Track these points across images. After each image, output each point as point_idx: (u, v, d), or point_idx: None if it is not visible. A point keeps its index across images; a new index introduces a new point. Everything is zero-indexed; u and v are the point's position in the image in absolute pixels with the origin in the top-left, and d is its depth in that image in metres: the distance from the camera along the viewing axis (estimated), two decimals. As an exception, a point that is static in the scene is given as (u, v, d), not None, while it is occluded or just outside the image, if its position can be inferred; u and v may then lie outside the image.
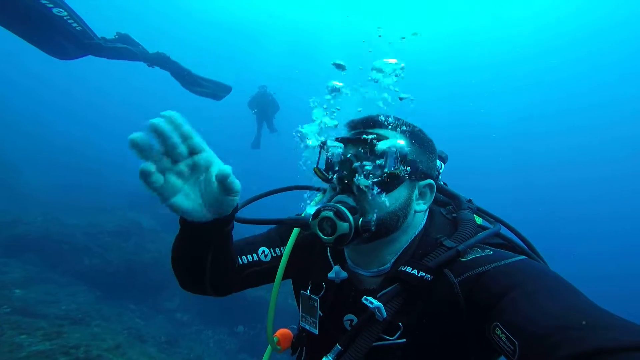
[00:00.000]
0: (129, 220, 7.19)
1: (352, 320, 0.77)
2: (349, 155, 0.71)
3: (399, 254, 0.74)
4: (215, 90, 4.28)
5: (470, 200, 0.86)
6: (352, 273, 0.80)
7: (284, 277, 0.89)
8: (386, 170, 0.70)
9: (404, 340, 0.68)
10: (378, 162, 0.70)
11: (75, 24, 2.89)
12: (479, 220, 0.83)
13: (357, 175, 0.69)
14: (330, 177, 0.73)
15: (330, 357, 0.70)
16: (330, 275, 0.80)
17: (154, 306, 5.69)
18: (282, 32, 22.33)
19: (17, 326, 3.27)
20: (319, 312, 0.81)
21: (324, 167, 0.77)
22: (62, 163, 11.31)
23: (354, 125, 0.78)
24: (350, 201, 0.70)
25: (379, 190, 0.69)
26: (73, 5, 2.89)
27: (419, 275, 0.66)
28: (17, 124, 13.34)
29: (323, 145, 0.76)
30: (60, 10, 2.77)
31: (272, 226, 0.97)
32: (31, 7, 2.65)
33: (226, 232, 0.76)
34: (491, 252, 0.69)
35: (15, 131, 12.51)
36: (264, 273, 0.92)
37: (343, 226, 0.65)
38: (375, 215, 0.69)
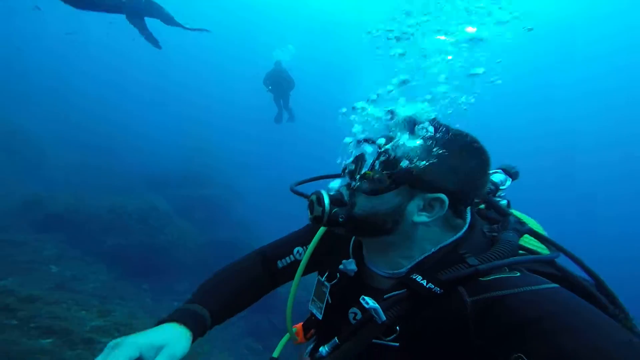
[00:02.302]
0: (147, 202, 7.72)
1: (355, 314, 0.80)
2: (359, 153, 0.78)
3: (416, 261, 0.76)
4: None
5: (522, 222, 0.82)
6: (369, 270, 0.84)
7: (312, 269, 1.00)
8: (365, 173, 0.75)
9: (397, 344, 0.71)
10: (367, 165, 0.76)
11: None
12: (535, 244, 0.80)
13: (353, 169, 0.77)
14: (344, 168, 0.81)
15: (327, 348, 0.75)
16: (340, 266, 0.87)
17: (165, 287, 6.22)
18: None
19: (76, 302, 3.79)
20: (327, 298, 0.89)
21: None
22: (81, 142, 12.09)
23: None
24: (344, 190, 0.79)
25: (367, 190, 0.74)
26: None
27: (427, 286, 0.67)
28: (38, 101, 14.25)
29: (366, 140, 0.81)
30: None
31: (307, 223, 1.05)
32: None
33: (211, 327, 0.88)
34: (518, 274, 0.66)
35: (37, 107, 13.38)
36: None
37: (317, 210, 0.75)
38: (353, 211, 0.75)
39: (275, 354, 1.08)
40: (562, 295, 0.60)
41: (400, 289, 0.72)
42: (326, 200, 0.75)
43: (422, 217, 0.74)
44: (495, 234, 0.78)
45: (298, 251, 1.04)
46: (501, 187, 0.94)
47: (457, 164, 0.73)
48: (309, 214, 0.78)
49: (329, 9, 21.25)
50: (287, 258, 1.04)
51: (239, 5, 22.92)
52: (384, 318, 0.68)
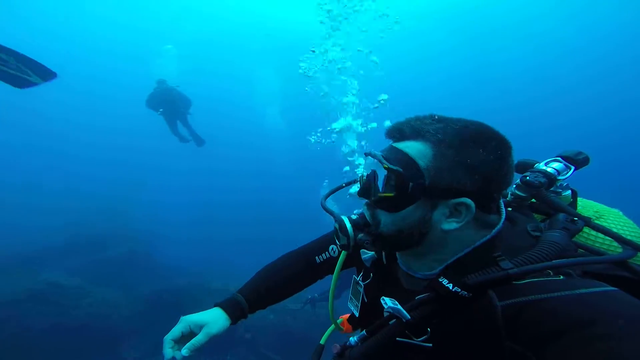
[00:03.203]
0: (43, 281, 6.16)
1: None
2: (370, 171, 0.76)
3: (447, 263, 0.73)
4: (23, 72, 3.24)
5: (574, 221, 0.73)
6: (402, 271, 0.84)
7: (349, 265, 1.06)
8: (379, 195, 0.72)
9: (430, 345, 0.69)
10: (380, 181, 0.72)
11: None
12: (606, 242, 0.75)
13: (368, 190, 0.76)
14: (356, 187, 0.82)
15: (355, 339, 0.77)
16: (363, 256, 0.92)
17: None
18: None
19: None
20: (362, 297, 0.93)
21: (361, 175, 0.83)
22: None
23: (387, 134, 0.78)
24: (367, 214, 0.77)
25: (385, 207, 0.72)
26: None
27: (453, 289, 0.63)
28: None
29: (367, 155, 0.79)
30: None
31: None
32: None
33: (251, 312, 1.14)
34: (562, 278, 0.62)
35: None
36: (335, 265, 1.08)
37: (342, 239, 0.77)
38: (378, 230, 0.74)
39: (322, 341, 1.22)
40: (616, 299, 0.54)
41: (429, 291, 0.69)
42: (349, 228, 0.76)
43: (452, 224, 0.71)
44: (539, 233, 0.73)
45: (332, 249, 1.15)
46: (560, 178, 0.83)
47: (468, 161, 0.67)
48: (337, 241, 0.80)
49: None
50: (324, 254, 1.16)
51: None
52: (408, 317, 0.67)
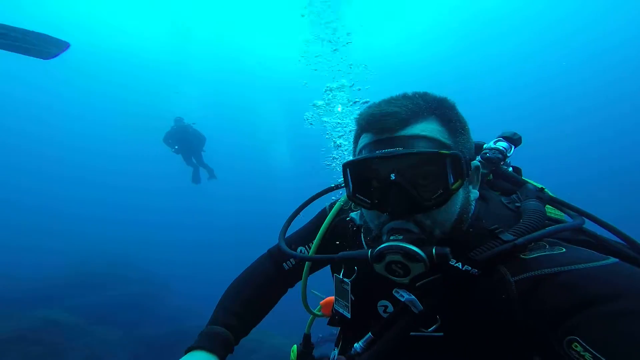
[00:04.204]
0: (39, 319, 5.87)
1: (386, 307, 0.75)
2: (393, 177, 0.63)
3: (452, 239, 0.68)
4: (34, 45, 3.51)
5: (542, 189, 0.78)
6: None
7: (322, 265, 1.01)
8: (453, 186, 0.62)
9: (442, 334, 0.66)
10: (433, 175, 0.63)
11: None
12: (554, 212, 0.77)
13: (413, 198, 0.62)
14: (373, 204, 0.66)
15: (361, 344, 0.70)
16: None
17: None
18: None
19: None
20: (350, 295, 0.82)
21: (354, 189, 0.70)
22: None
23: (379, 124, 0.66)
24: (412, 227, 0.63)
25: (440, 203, 0.63)
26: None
27: (463, 268, 0.61)
28: None
29: (349, 165, 0.70)
30: None
31: (310, 224, 1.05)
32: None
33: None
34: (564, 250, 0.61)
35: None
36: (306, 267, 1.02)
37: (417, 267, 0.59)
38: (448, 232, 0.65)
39: (307, 330, 1.20)
40: (624, 271, 0.54)
41: (434, 273, 0.64)
42: (419, 251, 0.59)
43: (475, 192, 0.70)
44: (518, 204, 0.74)
45: (301, 251, 1.01)
46: (508, 155, 0.89)
47: (464, 126, 0.70)
48: (396, 277, 0.62)
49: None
50: (292, 259, 1.03)
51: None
52: (420, 307, 0.64)
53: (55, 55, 3.75)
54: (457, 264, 0.61)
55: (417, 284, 0.66)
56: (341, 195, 0.99)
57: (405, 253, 0.59)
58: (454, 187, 0.62)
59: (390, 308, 0.74)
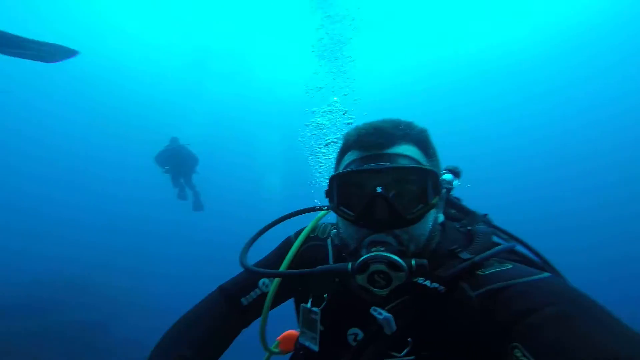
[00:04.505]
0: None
1: (356, 335, 0.77)
2: (379, 190, 0.67)
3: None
4: (44, 52, 3.99)
5: (486, 215, 0.89)
6: (357, 284, 0.76)
7: (285, 298, 0.96)
8: (433, 201, 0.69)
9: (413, 357, 0.68)
10: (414, 191, 0.69)
11: None
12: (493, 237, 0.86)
13: (396, 211, 0.67)
14: (358, 215, 0.69)
15: None
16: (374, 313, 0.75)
17: None
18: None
19: None
20: (319, 326, 0.81)
21: (338, 201, 0.74)
22: None
23: (366, 143, 0.73)
24: (391, 240, 0.67)
25: (418, 218, 0.69)
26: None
27: (432, 286, 0.66)
28: None
29: (336, 178, 0.74)
30: None
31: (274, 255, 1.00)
32: None
33: None
34: (510, 266, 0.69)
35: None
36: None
37: (400, 277, 0.63)
38: (420, 248, 0.69)
39: None
40: (556, 283, 0.63)
41: (401, 295, 0.70)
42: (401, 261, 0.63)
43: (440, 216, 0.78)
44: (469, 228, 0.82)
45: (264, 283, 0.95)
46: (452, 186, 0.99)
47: (437, 157, 0.80)
48: (376, 288, 0.64)
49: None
50: (252, 293, 0.95)
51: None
52: (394, 328, 0.66)
53: (60, 60, 4.05)
54: (425, 282, 0.67)
55: (387, 307, 0.70)
56: (309, 223, 1.00)
57: (389, 262, 0.63)
58: (433, 202, 0.69)
59: (361, 335, 0.76)
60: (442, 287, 0.66)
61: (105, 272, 11.36)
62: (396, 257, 0.62)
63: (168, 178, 8.92)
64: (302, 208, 1.06)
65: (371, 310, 0.68)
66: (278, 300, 0.95)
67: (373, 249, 0.65)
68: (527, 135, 20.94)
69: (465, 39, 18.47)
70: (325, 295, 0.83)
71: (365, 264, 0.63)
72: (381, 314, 0.67)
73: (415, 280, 0.66)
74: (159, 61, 20.86)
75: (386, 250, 0.64)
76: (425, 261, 0.64)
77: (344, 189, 0.73)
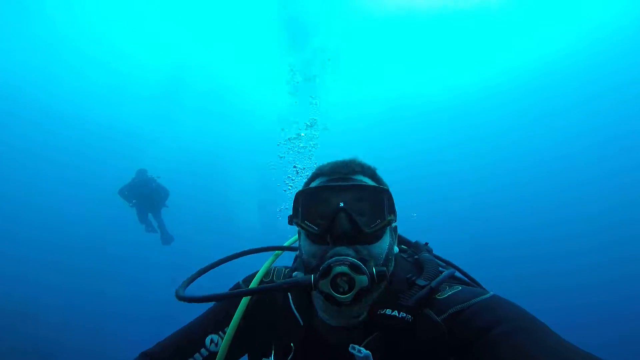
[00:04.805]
0: None
1: None
2: (342, 205, 0.72)
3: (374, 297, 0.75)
4: None
5: (427, 244, 0.96)
6: (325, 326, 0.77)
7: (241, 353, 0.88)
8: (389, 217, 0.75)
9: None
10: (372, 207, 0.76)
11: None
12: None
13: (357, 225, 0.72)
14: (322, 229, 0.74)
15: None
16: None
17: None
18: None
19: None
20: None
21: (303, 216, 0.78)
22: None
23: (331, 171, 0.83)
24: (352, 253, 0.70)
25: (377, 238, 0.75)
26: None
27: (400, 316, 0.69)
28: None
29: (302, 193, 0.79)
30: None
31: (219, 305, 0.92)
32: None
33: None
34: (460, 288, 0.76)
35: None
36: None
37: (362, 280, 0.66)
38: (379, 267, 0.72)
39: None
40: (502, 301, 0.71)
41: (371, 331, 0.72)
42: (362, 265, 0.68)
43: (395, 248, 0.85)
44: (416, 257, 0.88)
45: (212, 340, 0.85)
46: None
47: (384, 185, 0.85)
48: (339, 294, 0.66)
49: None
50: (197, 355, 0.84)
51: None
52: None
53: None
54: (393, 313, 0.70)
55: (362, 344, 0.70)
56: (261, 267, 0.96)
57: (351, 264, 0.67)
58: (389, 218, 0.76)
59: None
60: (409, 317, 0.69)
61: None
62: (358, 261, 0.67)
63: (133, 212, 8.37)
64: (250, 248, 1.01)
65: (350, 349, 0.68)
66: (234, 355, 0.86)
67: (335, 258, 0.69)
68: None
69: (423, 81, 19.35)
70: (292, 345, 0.79)
71: (329, 267, 0.66)
72: (360, 351, 0.67)
73: (382, 312, 0.70)
74: (126, 88, 20.19)
75: (348, 257, 0.68)
76: (384, 269, 0.70)
77: (309, 204, 0.78)
